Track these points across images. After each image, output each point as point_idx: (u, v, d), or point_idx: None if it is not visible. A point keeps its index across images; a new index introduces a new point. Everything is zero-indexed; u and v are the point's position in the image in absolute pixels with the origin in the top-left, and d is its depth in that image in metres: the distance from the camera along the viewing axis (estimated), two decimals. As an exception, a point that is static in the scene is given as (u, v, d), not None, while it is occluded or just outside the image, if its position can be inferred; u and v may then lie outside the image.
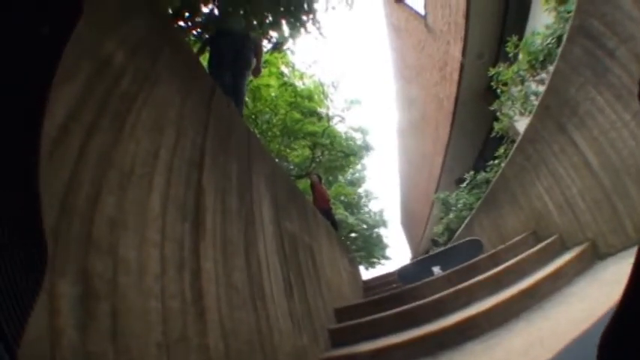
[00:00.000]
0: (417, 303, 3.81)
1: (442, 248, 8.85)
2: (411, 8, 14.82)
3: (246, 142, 3.42)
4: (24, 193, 0.80)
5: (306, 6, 5.75)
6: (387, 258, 28.47)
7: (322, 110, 15.91)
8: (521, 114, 6.33)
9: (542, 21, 6.05)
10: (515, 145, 5.32)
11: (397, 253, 69.98)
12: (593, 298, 2.73)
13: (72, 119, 1.33)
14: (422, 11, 13.81)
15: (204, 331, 1.77)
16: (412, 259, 10.03)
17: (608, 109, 3.29)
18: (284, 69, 13.97)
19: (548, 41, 5.16)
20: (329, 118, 16.23)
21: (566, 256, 3.81)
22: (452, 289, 3.89)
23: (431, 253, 8.53)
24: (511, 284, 3.66)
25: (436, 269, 5.70)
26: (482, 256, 5.17)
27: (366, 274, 26.78)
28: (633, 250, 3.11)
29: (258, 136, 13.47)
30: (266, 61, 11.93)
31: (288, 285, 3.12)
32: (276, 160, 15.79)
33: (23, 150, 0.81)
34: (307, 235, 4.46)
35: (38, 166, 0.84)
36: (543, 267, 3.84)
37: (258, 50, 5.63)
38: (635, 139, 3.08)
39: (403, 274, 6.30)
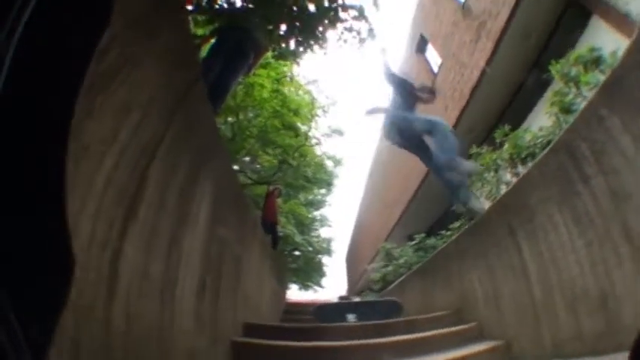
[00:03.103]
0: (321, 343, 3.91)
1: (363, 299, 9.00)
2: (427, 62, 15.08)
3: (208, 140, 3.46)
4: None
5: (319, 34, 5.89)
6: (321, 286, 28.61)
7: (304, 127, 16.03)
8: (487, 198, 6.52)
9: (540, 121, 6.26)
10: (465, 228, 5.50)
11: (333, 285, 69.62)
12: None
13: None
14: (435, 69, 14.08)
15: (111, 308, 1.83)
16: (340, 297, 10.09)
17: (563, 230, 3.39)
18: (284, 76, 14.05)
19: (536, 142, 5.34)
20: (307, 137, 16.34)
21: (480, 346, 3.98)
22: (361, 341, 3.99)
23: (352, 300, 8.62)
24: (418, 355, 3.76)
25: (351, 317, 5.79)
26: (399, 318, 5.32)
27: (298, 294, 26.77)
28: None
29: (235, 129, 13.57)
30: (268, 63, 12.01)
31: (202, 287, 3.13)
32: (247, 158, 15.90)
33: (50, 162, 0.82)
34: (239, 245, 4.48)
35: (65, 185, 0.85)
36: (454, 348, 3.96)
37: (258, 52, 5.69)
38: (581, 267, 3.18)
39: (319, 312, 6.36)
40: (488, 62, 9.73)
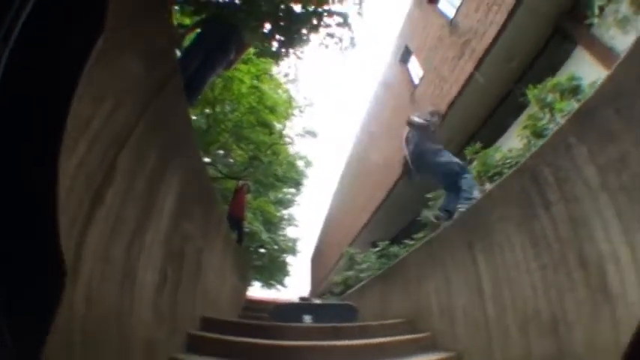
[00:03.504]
0: (276, 342, 3.95)
1: (320, 302, 9.06)
2: (409, 73, 15.25)
3: (180, 133, 3.48)
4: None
5: (301, 36, 5.91)
6: (284, 286, 28.58)
7: (279, 126, 16.04)
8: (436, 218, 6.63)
9: (512, 143, 6.39)
10: (426, 239, 5.60)
11: (296, 285, 69.56)
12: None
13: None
14: (416, 80, 14.24)
15: (74, 289, 1.86)
16: (300, 297, 10.12)
17: (519, 251, 3.46)
18: (264, 73, 14.03)
19: (505, 162, 5.46)
20: (281, 136, 16.36)
21: (431, 356, 4.08)
22: (315, 343, 4.08)
23: (311, 301, 8.67)
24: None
25: (307, 318, 5.85)
26: (355, 323, 5.40)
27: (260, 292, 26.70)
28: None
29: (210, 122, 13.49)
30: (250, 59, 11.98)
31: (162, 278, 3.16)
32: (221, 151, 15.81)
33: (42, 168, 0.83)
34: (202, 239, 4.50)
35: (57, 192, 0.85)
36: (406, 356, 4.05)
37: (241, 48, 5.68)
38: (534, 289, 3.26)
39: (276, 311, 6.43)
40: (469, 80, 9.90)
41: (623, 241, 2.56)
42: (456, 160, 5.58)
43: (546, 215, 3.19)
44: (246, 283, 11.66)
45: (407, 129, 6.46)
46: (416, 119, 6.21)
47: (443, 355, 4.13)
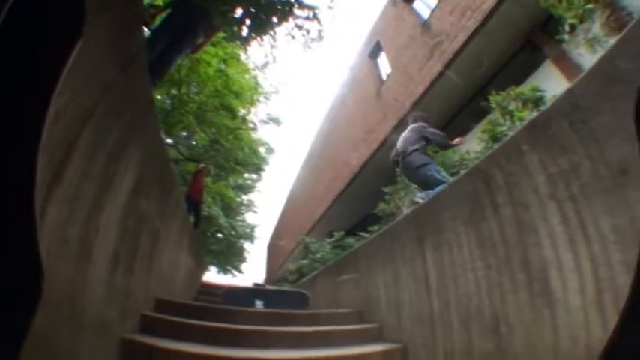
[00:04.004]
0: (225, 325, 4.00)
1: (272, 287, 9.15)
2: (377, 68, 15.35)
3: (141, 113, 3.47)
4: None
5: (271, 24, 5.92)
6: (240, 271, 28.53)
7: (243, 111, 15.96)
8: (408, 208, 6.74)
9: (472, 146, 6.58)
10: (378, 232, 5.71)
11: (252, 271, 69.65)
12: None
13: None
14: (384, 76, 14.36)
15: None
16: (254, 283, 10.11)
17: (466, 249, 3.57)
18: (232, 57, 13.90)
19: (462, 163, 5.60)
20: (244, 121, 16.28)
21: (378, 347, 4.14)
22: (265, 327, 4.12)
23: (262, 287, 8.73)
24: (318, 347, 3.91)
25: (259, 303, 5.91)
26: (305, 310, 5.49)
27: (216, 277, 26.57)
28: None
29: (175, 103, 13.31)
30: (219, 42, 11.87)
31: (116, 258, 3.15)
32: (184, 133, 15.62)
33: (18, 171, 0.85)
34: (159, 220, 4.49)
35: (34, 195, 0.87)
36: (353, 346, 4.12)
37: (209, 32, 5.65)
38: (477, 286, 3.38)
39: (228, 295, 6.45)
40: (435, 81, 10.08)
41: (567, 249, 2.68)
42: (442, 176, 5.68)
43: (494, 218, 3.30)
44: (202, 268, 11.59)
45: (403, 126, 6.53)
46: (419, 124, 6.27)
47: (389, 346, 4.22)
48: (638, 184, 2.29)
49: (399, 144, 6.32)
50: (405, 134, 6.34)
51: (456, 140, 6.22)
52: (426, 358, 3.88)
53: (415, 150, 5.96)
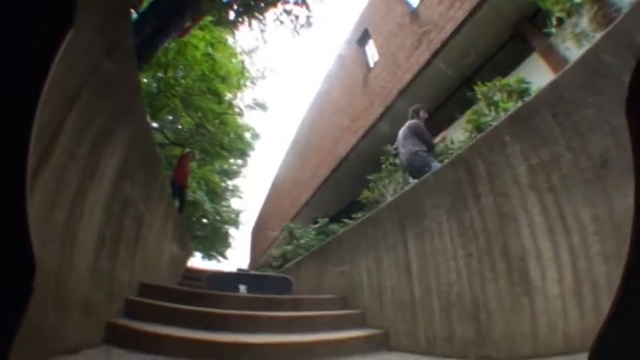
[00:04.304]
0: (210, 309, 4.02)
1: (256, 272, 9.17)
2: (365, 55, 15.30)
3: (128, 96, 3.44)
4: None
5: (259, 9, 5.88)
6: (225, 257, 28.50)
7: (230, 96, 15.87)
8: (392, 196, 6.78)
9: (457, 135, 6.62)
10: (360, 219, 5.75)
11: (237, 257, 69.60)
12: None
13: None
14: (371, 63, 14.33)
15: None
16: (238, 269, 10.08)
17: (447, 237, 3.63)
18: (219, 42, 13.79)
19: (447, 153, 5.61)
20: (230, 106, 16.19)
21: (360, 332, 4.21)
22: (249, 312, 4.16)
23: (244, 272, 8.74)
24: (301, 332, 3.95)
25: (243, 287, 5.94)
26: (288, 295, 5.53)
27: (201, 263, 26.50)
28: (419, 357, 3.53)
29: (161, 86, 13.19)
30: (206, 26, 11.77)
31: (101, 241, 3.15)
32: (170, 117, 15.50)
33: (9, 165, 0.80)
34: (144, 204, 4.48)
35: (26, 188, 0.82)
36: (336, 331, 4.17)
37: (197, 16, 5.61)
38: (458, 274, 3.44)
39: (212, 279, 6.49)
40: (423, 70, 10.09)
41: (546, 239, 2.75)
42: (435, 165, 5.70)
43: (476, 207, 3.36)
44: (187, 253, 11.56)
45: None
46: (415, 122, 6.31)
47: (371, 331, 4.29)
48: (619, 177, 2.34)
49: (399, 135, 6.39)
50: (403, 127, 6.41)
51: (439, 138, 6.33)
52: (408, 344, 3.93)
53: (409, 140, 6.04)
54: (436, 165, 5.47)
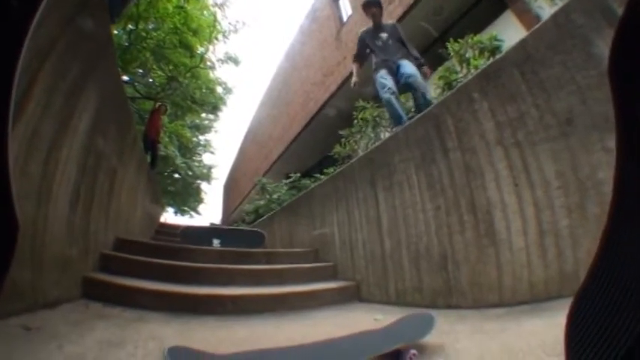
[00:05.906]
0: (184, 263, 4.07)
1: (229, 227, 9.19)
2: (339, 10, 15.02)
3: (100, 49, 3.39)
4: None
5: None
6: (198, 212, 28.46)
7: (201, 49, 15.54)
8: (363, 151, 6.80)
9: (429, 92, 6.65)
10: (332, 174, 5.82)
11: (209, 212, 69.65)
12: (332, 324, 3.11)
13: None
14: (345, 17, 14.10)
15: None
16: (211, 224, 10.10)
17: (417, 190, 3.73)
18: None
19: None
20: (202, 60, 15.88)
21: (332, 284, 4.32)
22: (222, 265, 4.23)
23: (218, 226, 8.78)
24: (274, 285, 4.04)
25: (216, 241, 6.00)
26: (261, 249, 5.62)
27: (173, 218, 26.41)
28: (389, 307, 3.65)
29: (132, 39, 12.82)
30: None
31: (75, 196, 3.16)
32: (140, 70, 15.12)
33: None
34: (117, 158, 4.48)
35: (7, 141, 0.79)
36: (308, 283, 4.28)
37: None
38: (427, 226, 3.56)
39: (187, 233, 6.54)
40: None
41: (511, 192, 2.86)
42: None
43: (444, 161, 3.47)
44: (160, 208, 11.53)
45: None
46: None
47: (343, 283, 4.40)
48: (583, 134, 2.44)
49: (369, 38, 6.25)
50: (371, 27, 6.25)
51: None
52: (379, 295, 4.07)
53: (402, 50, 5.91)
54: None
